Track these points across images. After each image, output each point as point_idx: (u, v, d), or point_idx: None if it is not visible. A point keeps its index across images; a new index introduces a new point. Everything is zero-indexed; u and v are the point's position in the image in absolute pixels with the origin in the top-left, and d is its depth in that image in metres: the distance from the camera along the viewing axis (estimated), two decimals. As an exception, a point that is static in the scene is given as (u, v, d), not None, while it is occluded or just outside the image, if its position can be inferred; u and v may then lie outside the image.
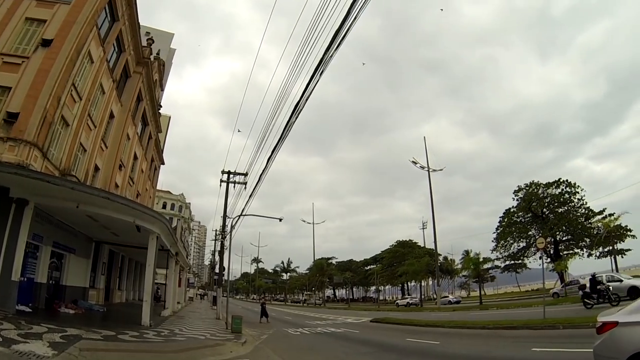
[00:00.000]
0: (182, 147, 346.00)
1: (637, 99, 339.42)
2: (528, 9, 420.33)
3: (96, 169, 30.99)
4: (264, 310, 37.32)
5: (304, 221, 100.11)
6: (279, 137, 18.45)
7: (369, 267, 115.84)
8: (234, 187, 36.23)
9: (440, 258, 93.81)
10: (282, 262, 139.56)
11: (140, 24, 34.61)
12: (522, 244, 71.59)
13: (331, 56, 11.74)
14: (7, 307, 16.10)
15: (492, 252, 74.29)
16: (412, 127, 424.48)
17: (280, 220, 38.69)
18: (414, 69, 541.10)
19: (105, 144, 32.12)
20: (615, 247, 58.96)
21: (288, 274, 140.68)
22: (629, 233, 59.32)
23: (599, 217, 61.74)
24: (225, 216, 36.13)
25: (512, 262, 74.69)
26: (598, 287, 25.81)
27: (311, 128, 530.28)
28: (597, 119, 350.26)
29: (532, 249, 65.51)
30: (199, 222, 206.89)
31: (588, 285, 26.85)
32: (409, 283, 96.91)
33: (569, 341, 14.16)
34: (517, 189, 71.96)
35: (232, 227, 34.63)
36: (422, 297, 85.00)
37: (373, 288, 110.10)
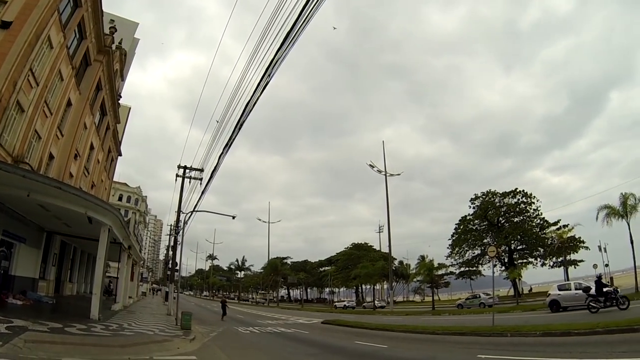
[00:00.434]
0: (141, 139, 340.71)
1: (596, 116, 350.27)
2: (495, 21, 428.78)
3: (51, 157, 30.27)
4: (224, 308, 37.88)
5: (260, 220, 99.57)
6: (235, 133, 18.39)
7: (323, 268, 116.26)
8: (190, 182, 35.98)
9: (396, 262, 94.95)
10: (237, 260, 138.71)
11: (104, 11, 33.98)
12: (477, 252, 73.17)
13: (284, 54, 11.73)
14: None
15: (447, 258, 75.49)
16: (373, 130, 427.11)
17: (234, 217, 38.39)
18: (378, 73, 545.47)
19: (61, 132, 31.39)
20: (569, 258, 60.61)
21: (242, 272, 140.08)
22: (582, 245, 61.20)
23: (554, 228, 63.46)
24: (179, 211, 35.85)
25: (467, 268, 76.24)
26: (605, 289, 24.48)
27: (273, 127, 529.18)
28: (557, 132, 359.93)
29: (487, 256, 66.72)
30: (155, 216, 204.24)
31: (593, 287, 25.19)
32: (363, 286, 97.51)
33: (515, 349, 14.43)
34: (473, 197, 73.47)
35: (185, 222, 34.36)
36: (375, 300, 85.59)
37: (328, 289, 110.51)
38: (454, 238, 75.59)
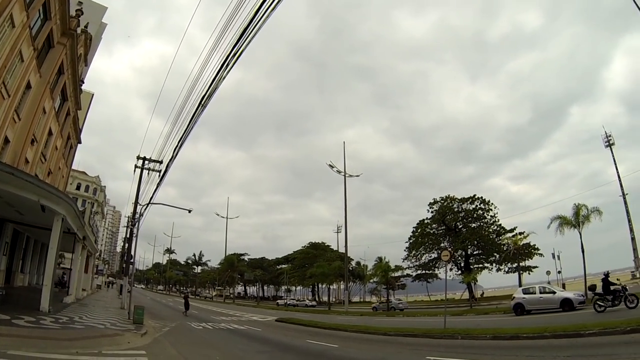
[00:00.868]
0: (103, 127, 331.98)
1: (556, 129, 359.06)
2: (464, 30, 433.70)
3: (6, 141, 29.38)
4: (187, 303, 38.50)
5: (218, 215, 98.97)
6: (191, 126, 18.25)
7: (280, 266, 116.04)
8: (148, 174, 35.48)
9: (353, 263, 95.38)
10: (194, 255, 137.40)
11: (72, -8, 33.19)
12: (433, 255, 73.91)
13: (242, 48, 11.70)
14: None
15: (403, 261, 76.12)
16: (336, 130, 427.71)
17: (190, 211, 38.05)
18: (345, 74, 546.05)
19: (18, 115, 30.49)
20: (524, 264, 61.92)
21: (200, 267, 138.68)
22: (536, 252, 62.66)
23: (510, 234, 64.51)
24: (136, 203, 35.29)
25: (424, 271, 76.87)
26: (612, 287, 23.46)
27: (237, 122, 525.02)
28: (518, 142, 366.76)
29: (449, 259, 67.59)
30: (114, 207, 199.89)
31: (600, 285, 24.38)
32: (319, 285, 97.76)
33: (464, 351, 14.66)
34: (432, 201, 74.15)
35: (141, 214, 33.86)
36: (330, 300, 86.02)
37: (284, 287, 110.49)
38: (411, 241, 76.25)
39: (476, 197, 71.88)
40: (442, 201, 73.36)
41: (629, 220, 59.55)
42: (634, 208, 58.77)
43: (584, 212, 45.27)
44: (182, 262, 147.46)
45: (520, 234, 61.35)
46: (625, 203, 60.08)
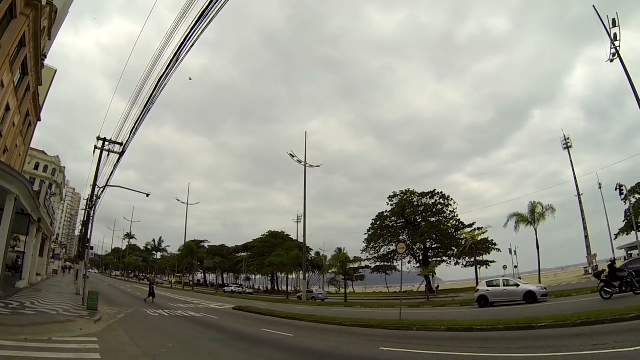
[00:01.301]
0: (65, 105, 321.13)
1: (517, 130, 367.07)
2: (433, 29, 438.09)
3: (-43, 115, 28.42)
4: (152, 290, 37.63)
5: (179, 200, 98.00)
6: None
7: (240, 254, 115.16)
8: (108, 155, 34.71)
9: (312, 253, 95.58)
10: (154, 241, 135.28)
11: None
12: (392, 247, 74.44)
13: (202, 29, 11.50)
14: None
15: (362, 252, 76.54)
16: (300, 121, 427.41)
17: (148, 195, 37.44)
18: (312, 65, 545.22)
19: (-28, 88, 29.49)
20: (482, 258, 63.12)
21: (159, 253, 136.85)
22: (494, 247, 64.10)
23: (468, 229, 65.58)
24: (94, 185, 34.50)
25: (382, 263, 77.48)
26: (620, 274, 23.29)
27: (202, 108, 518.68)
28: (480, 141, 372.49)
29: (404, 252, 68.17)
30: (74, 189, 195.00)
31: (607, 272, 24.08)
32: (278, 274, 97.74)
33: (418, 342, 14.72)
34: (392, 194, 74.61)
35: (98, 197, 33.20)
36: (288, 289, 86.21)
37: (244, 276, 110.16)
38: (370, 233, 76.76)
39: (436, 192, 72.90)
40: (402, 195, 74.00)
41: (583, 219, 62.17)
42: (588, 208, 61.00)
43: (540, 209, 46.53)
44: (142, 248, 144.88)
45: (479, 229, 62.51)
46: (580, 203, 62.65)
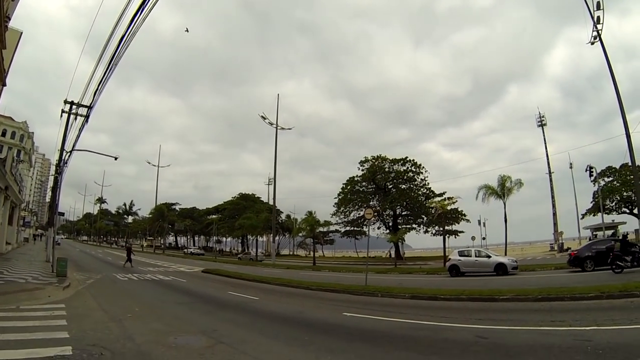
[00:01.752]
0: (33, 70, 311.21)
1: (493, 104, 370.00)
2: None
3: None
4: (130, 256, 38.35)
5: (150, 163, 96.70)
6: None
7: (210, 216, 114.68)
8: (75, 119, 33.75)
9: (283, 216, 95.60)
10: (125, 204, 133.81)
11: None
12: (362, 212, 74.39)
13: None
14: None
15: (332, 217, 76.63)
16: (274, 83, 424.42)
17: (116, 159, 36.80)
18: (287, 27, 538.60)
19: None
20: (451, 228, 63.89)
21: (130, 217, 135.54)
22: (463, 217, 64.94)
23: (439, 198, 65.95)
24: (62, 150, 33.64)
25: (352, 228, 77.71)
26: (632, 248, 23.39)
27: (175, 69, 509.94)
28: (455, 111, 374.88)
29: (374, 218, 68.52)
30: (44, 155, 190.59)
31: (618, 247, 23.90)
32: (248, 236, 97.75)
33: (382, 309, 14.76)
34: (363, 159, 74.30)
35: (65, 162, 32.44)
36: (259, 252, 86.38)
37: (214, 238, 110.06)
38: (340, 197, 76.62)
39: (408, 159, 72.81)
40: (374, 160, 73.64)
41: (553, 197, 63.74)
42: (559, 186, 62.33)
43: (509, 184, 47.17)
44: (114, 212, 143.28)
45: (449, 199, 62.92)
46: (551, 180, 64.24)
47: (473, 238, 65.12)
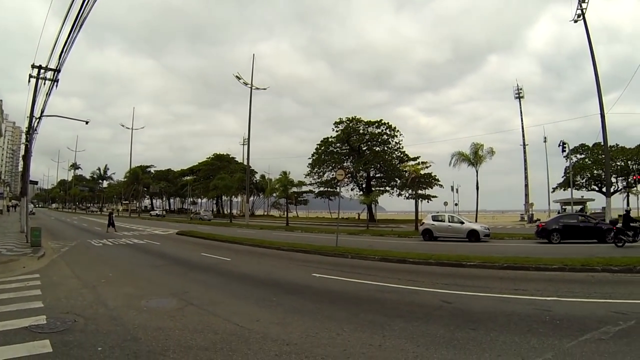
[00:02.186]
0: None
1: (472, 72, 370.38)
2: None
3: None
4: (111, 220, 38.54)
5: (123, 126, 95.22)
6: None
7: (185, 178, 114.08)
8: (44, 83, 32.90)
9: (258, 176, 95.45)
10: (99, 169, 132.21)
11: None
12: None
13: None
14: None
15: (305, 177, 76.64)
16: (252, 43, 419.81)
17: (87, 123, 36.35)
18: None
19: None
20: (424, 192, 64.64)
21: (105, 181, 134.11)
22: (436, 182, 65.71)
23: (413, 162, 66.41)
24: (31, 117, 32.91)
25: (326, 189, 77.95)
26: (633, 223, 23.61)
27: (150, 29, 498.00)
28: (433, 78, 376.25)
29: (346, 179, 68.78)
30: (14, 123, 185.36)
31: (621, 221, 24.41)
32: (223, 197, 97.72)
33: (351, 270, 15.05)
34: (338, 120, 73.92)
35: (34, 129, 31.80)
36: (232, 212, 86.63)
37: (190, 200, 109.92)
38: (314, 158, 76.40)
39: (383, 122, 72.61)
40: (349, 122, 73.19)
41: (525, 169, 65.83)
42: (532, 158, 63.62)
43: (481, 152, 47.82)
44: (88, 177, 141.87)
45: (423, 163, 63.41)
46: (525, 152, 66.02)
47: (445, 203, 66.13)
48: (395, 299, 10.09)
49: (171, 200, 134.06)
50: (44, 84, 31.65)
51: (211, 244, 27.41)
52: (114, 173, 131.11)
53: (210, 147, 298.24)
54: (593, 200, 59.33)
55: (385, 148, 72.85)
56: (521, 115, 66.44)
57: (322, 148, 75.78)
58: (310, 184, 78.64)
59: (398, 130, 72.78)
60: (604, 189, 53.13)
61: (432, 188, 67.16)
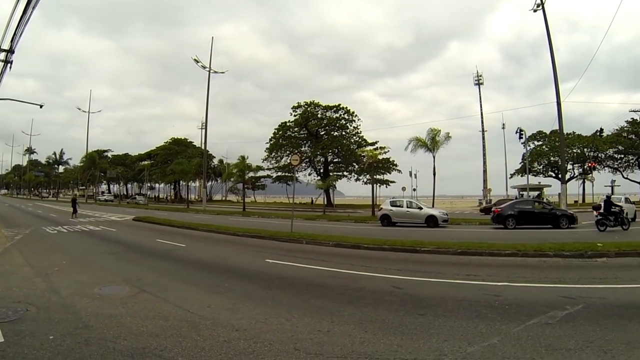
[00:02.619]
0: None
1: (433, 58, 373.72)
2: None
3: None
4: (75, 206, 38.44)
5: (80, 109, 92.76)
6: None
7: (143, 162, 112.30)
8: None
9: (216, 161, 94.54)
10: (55, 154, 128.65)
11: None
12: (292, 159, 74.50)
13: None
14: None
15: (263, 162, 76.22)
16: (211, 25, 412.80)
17: (41, 106, 35.21)
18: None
19: None
20: (383, 177, 65.26)
21: (61, 166, 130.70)
22: (394, 167, 66.38)
23: (371, 147, 66.64)
24: (-15, 102, 31.74)
25: (283, 174, 77.62)
26: (613, 209, 24.34)
27: (108, 9, 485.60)
28: (394, 62, 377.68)
29: (303, 164, 68.73)
30: None
31: (602, 207, 24.88)
32: (181, 182, 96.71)
33: (304, 256, 15.03)
34: (296, 105, 73.61)
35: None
36: (190, 197, 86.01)
37: (147, 185, 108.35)
38: (271, 142, 76.05)
39: (341, 106, 72.63)
40: (307, 106, 72.97)
41: (484, 155, 66.65)
42: (491, 145, 64.80)
43: (438, 137, 48.33)
44: (44, 162, 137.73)
45: (381, 148, 63.68)
46: (483, 138, 66.84)
47: (404, 189, 66.59)
48: (346, 285, 10.06)
49: (129, 186, 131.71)
50: None
51: (167, 229, 27.11)
52: (70, 158, 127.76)
53: (169, 131, 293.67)
54: (550, 186, 60.64)
55: (344, 133, 72.95)
56: (480, 102, 67.42)
57: (280, 132, 75.39)
58: (268, 169, 78.32)
59: (356, 115, 73.04)
60: (560, 175, 54.62)
61: (390, 173, 68.00)
